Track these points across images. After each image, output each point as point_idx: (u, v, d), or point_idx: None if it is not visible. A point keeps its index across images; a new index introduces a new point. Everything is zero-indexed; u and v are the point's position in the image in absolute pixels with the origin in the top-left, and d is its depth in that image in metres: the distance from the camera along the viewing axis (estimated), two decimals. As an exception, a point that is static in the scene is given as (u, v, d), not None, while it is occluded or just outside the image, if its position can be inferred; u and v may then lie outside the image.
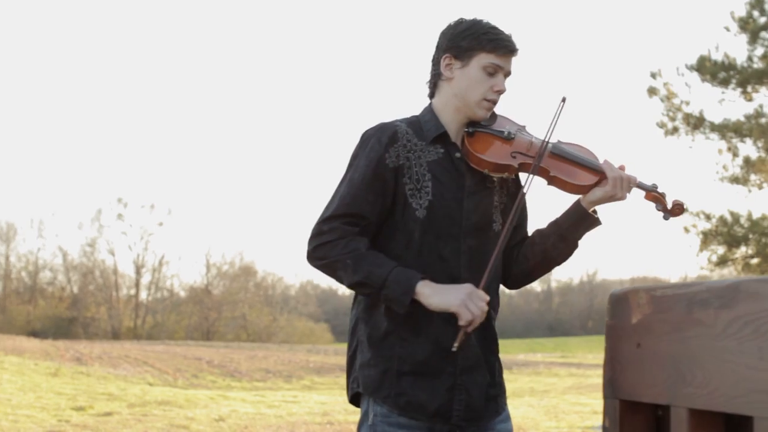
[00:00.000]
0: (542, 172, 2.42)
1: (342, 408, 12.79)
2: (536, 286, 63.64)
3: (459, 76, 2.40)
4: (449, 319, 2.29)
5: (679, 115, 16.64)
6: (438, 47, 2.46)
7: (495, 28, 2.40)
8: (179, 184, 69.46)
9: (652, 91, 16.70)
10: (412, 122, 2.42)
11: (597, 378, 19.00)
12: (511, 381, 17.70)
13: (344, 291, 58.24)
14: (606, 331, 1.83)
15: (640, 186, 2.45)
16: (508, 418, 2.48)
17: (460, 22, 2.44)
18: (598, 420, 10.60)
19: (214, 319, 51.85)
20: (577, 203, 2.43)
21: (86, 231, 60.23)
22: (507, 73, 2.42)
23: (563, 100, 2.41)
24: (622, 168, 2.43)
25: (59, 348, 23.26)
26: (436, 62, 2.46)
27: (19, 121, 48.27)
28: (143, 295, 51.00)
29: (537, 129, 2.49)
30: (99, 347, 26.58)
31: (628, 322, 1.75)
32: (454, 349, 2.23)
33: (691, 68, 16.61)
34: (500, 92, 2.40)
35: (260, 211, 72.50)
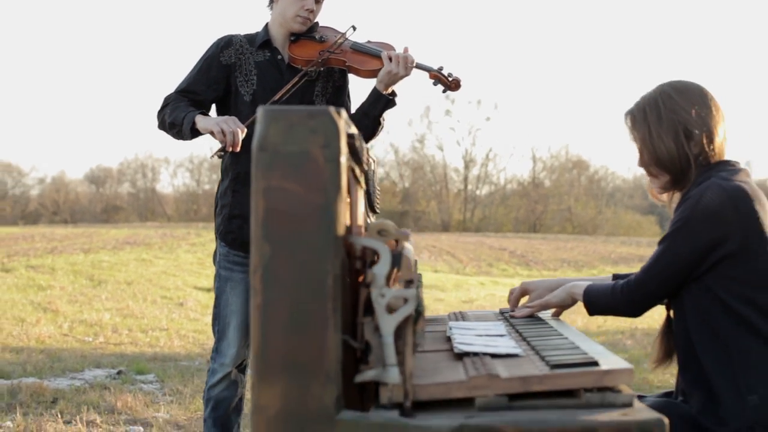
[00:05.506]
0: (340, 63, 3.07)
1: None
2: None
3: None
4: None
5: None
6: None
7: None
8: (505, 79, 70.34)
9: None
10: (250, 35, 3.16)
11: None
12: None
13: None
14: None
15: (421, 66, 3.03)
16: None
17: None
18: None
19: (540, 212, 52.79)
20: (375, 87, 3.03)
21: (416, 127, 63.45)
22: None
23: (353, 28, 3.10)
24: (405, 50, 3.01)
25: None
26: None
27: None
28: (471, 189, 53.09)
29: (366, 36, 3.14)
30: (419, 239, 28.48)
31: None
32: (210, 157, 2.93)
33: None
34: (310, 11, 3.06)
35: (587, 105, 71.18)
